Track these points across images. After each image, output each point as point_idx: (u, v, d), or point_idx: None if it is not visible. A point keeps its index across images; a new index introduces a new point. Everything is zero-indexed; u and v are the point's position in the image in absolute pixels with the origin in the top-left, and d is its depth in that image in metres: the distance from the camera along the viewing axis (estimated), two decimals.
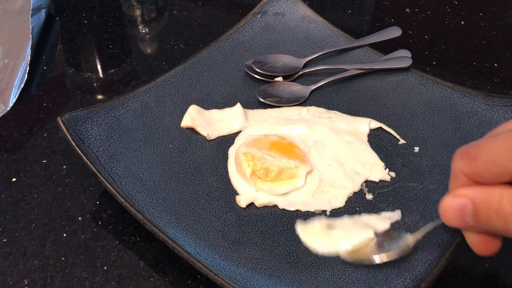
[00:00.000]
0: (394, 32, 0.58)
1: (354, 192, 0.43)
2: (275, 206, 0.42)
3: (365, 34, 0.66)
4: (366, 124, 0.48)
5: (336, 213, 0.42)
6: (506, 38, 0.65)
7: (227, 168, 0.45)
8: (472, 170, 0.30)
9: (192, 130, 0.48)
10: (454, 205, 0.31)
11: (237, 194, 0.43)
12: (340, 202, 0.42)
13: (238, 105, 0.49)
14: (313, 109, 0.50)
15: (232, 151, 0.46)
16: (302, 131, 0.47)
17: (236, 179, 0.44)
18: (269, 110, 0.50)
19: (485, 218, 0.29)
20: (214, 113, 0.49)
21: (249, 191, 0.43)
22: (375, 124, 0.49)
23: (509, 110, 0.47)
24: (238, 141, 0.47)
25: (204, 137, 0.47)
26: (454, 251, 0.38)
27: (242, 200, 0.42)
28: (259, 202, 0.42)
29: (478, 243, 0.32)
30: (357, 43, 0.56)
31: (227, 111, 0.49)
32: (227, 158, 0.46)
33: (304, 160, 0.44)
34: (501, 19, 0.68)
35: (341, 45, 0.55)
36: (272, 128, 0.48)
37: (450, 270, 0.40)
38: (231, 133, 0.48)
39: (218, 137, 0.48)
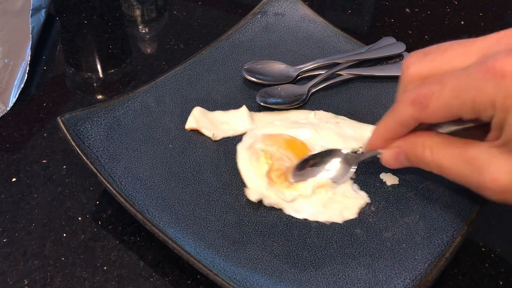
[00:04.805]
0: (398, 47, 0.56)
1: (367, 203, 0.43)
2: (280, 210, 0.42)
3: (365, 34, 0.66)
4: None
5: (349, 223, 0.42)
6: None
7: (234, 164, 0.45)
8: (423, 117, 0.34)
9: (192, 130, 0.48)
10: (392, 154, 0.38)
11: (246, 187, 0.43)
12: (352, 213, 0.42)
13: (244, 108, 0.49)
14: (321, 114, 0.50)
15: (241, 147, 0.46)
16: (308, 135, 0.47)
17: (247, 173, 0.44)
18: (275, 113, 0.50)
19: (414, 162, 0.37)
20: (219, 114, 0.49)
21: (260, 186, 0.43)
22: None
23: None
24: (246, 138, 0.47)
25: (205, 137, 0.47)
26: (454, 251, 0.38)
27: (252, 194, 0.42)
28: (267, 201, 0.42)
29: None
30: (353, 57, 0.55)
31: (232, 113, 0.49)
32: (233, 154, 0.46)
33: None
34: (501, 19, 0.68)
35: (336, 58, 0.54)
36: (278, 131, 0.47)
37: (450, 270, 0.40)
38: (236, 134, 0.48)
39: (223, 138, 0.48)
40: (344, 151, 0.44)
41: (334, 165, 0.44)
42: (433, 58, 0.35)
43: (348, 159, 0.44)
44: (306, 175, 0.43)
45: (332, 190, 0.43)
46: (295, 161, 0.44)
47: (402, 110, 0.35)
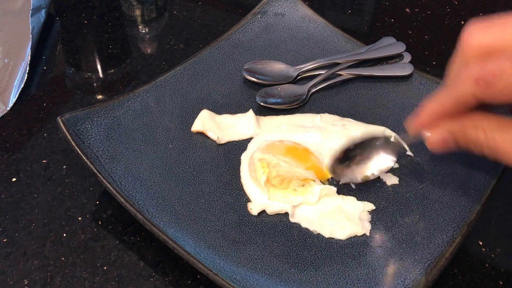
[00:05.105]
0: (398, 47, 0.56)
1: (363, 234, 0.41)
2: (286, 213, 0.42)
3: (365, 34, 0.66)
4: (381, 133, 0.48)
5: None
6: None
7: (235, 164, 0.45)
8: (487, 96, 0.31)
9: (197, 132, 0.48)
10: (440, 137, 0.35)
11: (249, 201, 0.43)
12: (341, 235, 0.40)
13: (251, 112, 0.49)
14: (326, 116, 0.50)
15: (245, 157, 0.46)
16: (316, 139, 0.47)
17: (248, 185, 0.43)
18: (281, 117, 0.50)
19: (463, 144, 0.34)
20: (226, 118, 0.49)
21: (261, 198, 0.42)
22: (389, 132, 0.48)
23: (509, 109, 0.47)
24: (251, 147, 0.47)
25: (205, 137, 0.47)
26: (454, 251, 0.38)
27: (254, 208, 0.42)
28: (270, 210, 0.42)
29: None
30: (353, 57, 0.54)
31: (239, 117, 0.49)
32: (233, 154, 0.46)
33: (320, 168, 0.44)
34: None
35: (336, 58, 0.54)
36: (285, 135, 0.47)
37: (450, 270, 0.40)
38: (242, 139, 0.48)
39: (228, 142, 0.47)
40: (386, 136, 0.41)
41: (375, 156, 0.43)
42: (501, 30, 0.31)
43: (391, 146, 0.41)
44: (349, 172, 0.43)
45: (336, 202, 0.42)
46: (296, 166, 0.44)
47: (463, 88, 0.32)
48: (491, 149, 0.33)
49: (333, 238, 0.40)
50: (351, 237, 0.40)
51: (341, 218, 0.41)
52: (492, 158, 0.33)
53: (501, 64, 0.29)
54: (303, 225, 0.41)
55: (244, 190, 0.43)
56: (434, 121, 0.35)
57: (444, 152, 0.36)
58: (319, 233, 0.41)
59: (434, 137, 0.36)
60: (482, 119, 0.33)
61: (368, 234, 0.40)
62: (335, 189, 0.43)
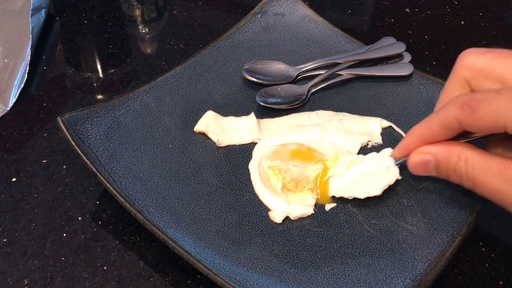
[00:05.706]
0: (398, 47, 0.56)
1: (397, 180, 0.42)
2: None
3: (365, 34, 0.66)
4: (377, 123, 0.48)
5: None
6: (506, 38, 0.65)
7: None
8: (468, 121, 0.32)
9: (192, 130, 0.48)
10: (421, 160, 0.36)
11: (269, 210, 0.42)
12: (377, 191, 0.41)
13: (252, 115, 0.49)
14: (322, 113, 0.50)
15: (253, 166, 0.45)
16: (317, 135, 0.47)
17: (265, 195, 0.43)
18: (278, 119, 0.50)
19: (444, 172, 0.35)
20: (230, 120, 0.49)
21: (281, 205, 0.42)
22: (385, 123, 0.49)
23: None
24: (256, 154, 0.46)
25: (206, 137, 0.47)
26: (454, 251, 0.38)
27: (276, 216, 0.41)
28: (293, 215, 0.41)
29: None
30: (353, 57, 0.54)
31: (243, 119, 0.49)
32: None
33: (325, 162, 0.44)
34: (501, 19, 0.68)
35: (336, 58, 0.54)
36: (287, 137, 0.47)
37: (450, 270, 0.40)
38: (242, 143, 0.47)
39: (229, 145, 0.47)
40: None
41: None
42: (494, 57, 0.34)
43: None
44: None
45: (361, 166, 0.43)
46: (305, 166, 0.44)
47: (449, 111, 0.33)
48: (470, 179, 0.34)
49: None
50: (351, 236, 0.40)
51: (370, 177, 0.42)
52: (469, 188, 0.34)
53: (487, 93, 0.32)
54: (337, 195, 0.42)
55: (259, 200, 0.43)
56: (419, 143, 0.36)
57: (422, 174, 0.37)
58: (355, 197, 0.41)
59: (416, 158, 0.37)
60: (466, 149, 0.34)
61: (399, 178, 0.41)
62: (361, 159, 0.44)
